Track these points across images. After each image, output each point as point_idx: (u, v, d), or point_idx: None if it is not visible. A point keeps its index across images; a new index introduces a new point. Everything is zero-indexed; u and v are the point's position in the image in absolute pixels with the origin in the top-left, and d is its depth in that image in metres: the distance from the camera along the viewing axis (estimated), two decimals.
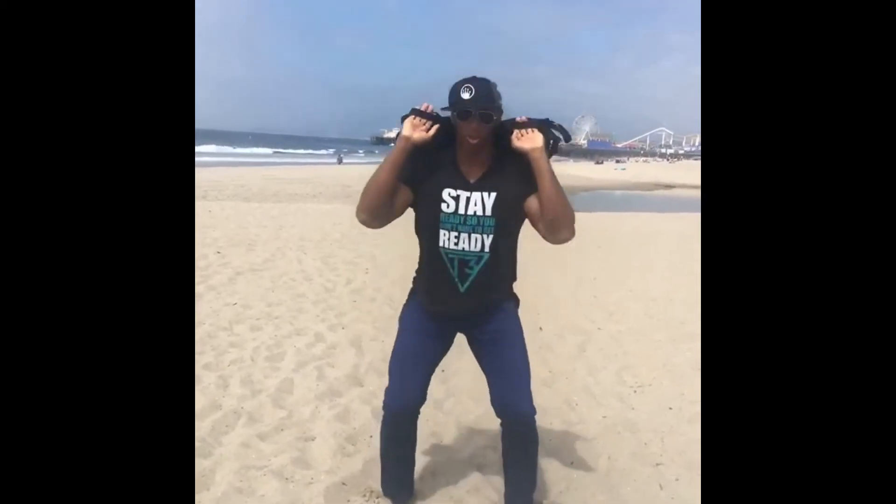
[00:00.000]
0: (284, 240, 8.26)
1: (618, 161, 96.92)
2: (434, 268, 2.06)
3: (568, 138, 2.07)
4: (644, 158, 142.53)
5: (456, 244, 2.00)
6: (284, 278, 6.03)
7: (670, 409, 3.42)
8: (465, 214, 2.00)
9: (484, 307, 2.10)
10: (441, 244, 2.02)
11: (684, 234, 11.00)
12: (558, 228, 1.98)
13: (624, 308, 5.66)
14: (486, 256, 2.01)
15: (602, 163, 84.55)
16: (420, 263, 2.15)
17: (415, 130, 1.97)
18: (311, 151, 72.94)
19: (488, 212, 1.99)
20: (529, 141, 1.97)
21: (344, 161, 45.07)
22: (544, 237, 2.04)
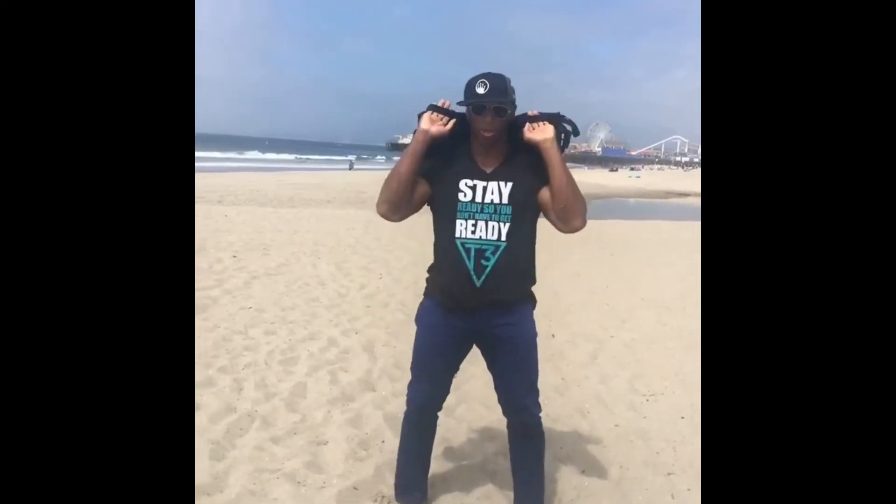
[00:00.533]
0: (299, 245, 8.31)
1: (632, 168, 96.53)
2: (451, 262, 2.06)
3: (577, 132, 2.11)
4: (659, 166, 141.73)
5: (473, 233, 2.03)
6: (299, 283, 6.08)
7: (683, 418, 3.41)
8: (482, 203, 2.04)
9: (500, 304, 2.09)
10: (458, 234, 2.04)
11: (698, 242, 10.91)
12: (569, 217, 2.01)
13: (637, 316, 5.64)
14: (502, 246, 2.03)
15: (616, 170, 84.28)
16: (435, 258, 2.16)
17: (433, 124, 2.03)
18: (331, 157, 73.40)
19: (505, 199, 2.03)
20: (541, 132, 2.02)
21: (355, 167, 45.15)
22: (557, 227, 2.07)
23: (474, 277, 2.03)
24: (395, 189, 2.02)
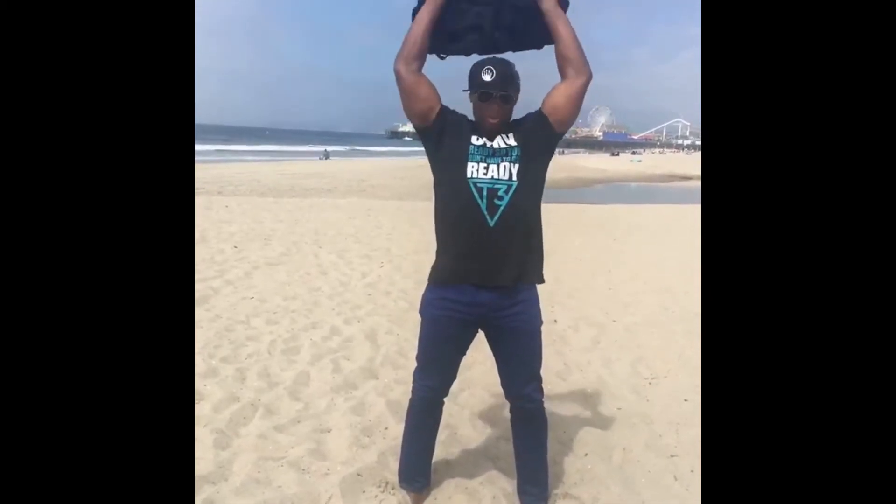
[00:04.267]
0: (300, 234, 8.31)
1: (634, 153, 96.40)
2: (462, 204, 2.04)
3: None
4: (660, 150, 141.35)
5: (485, 173, 2.04)
6: (300, 272, 6.08)
7: (685, 401, 3.41)
8: (493, 147, 2.07)
9: (507, 267, 2.06)
10: (469, 175, 2.04)
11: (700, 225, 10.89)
12: (581, 66, 2.07)
13: (639, 300, 5.64)
14: (514, 185, 2.04)
15: (618, 154, 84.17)
16: (443, 208, 2.13)
17: None
18: (356, 148, 72.57)
19: (513, 142, 2.07)
20: None
21: (330, 157, 42.64)
22: (566, 94, 2.08)
23: (487, 217, 2.02)
24: (410, 45, 2.07)
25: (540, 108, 2.11)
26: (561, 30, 2.07)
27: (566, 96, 2.08)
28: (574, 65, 2.06)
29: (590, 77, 2.09)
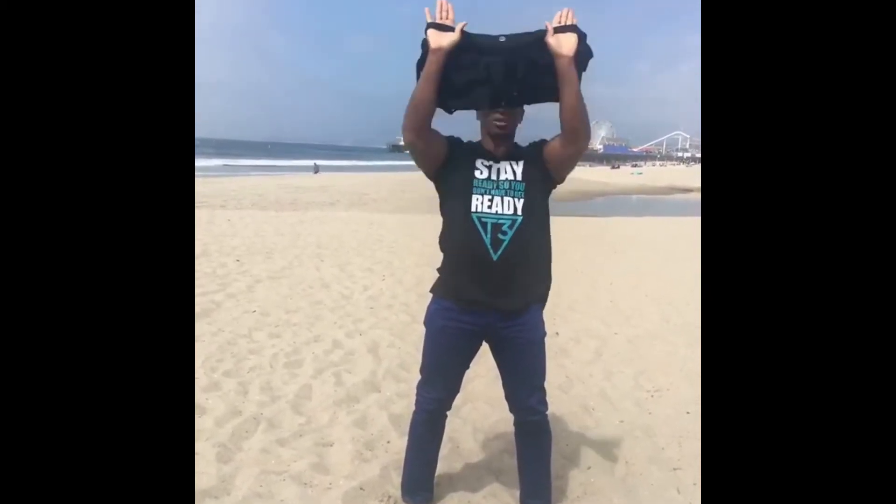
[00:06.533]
0: (302, 247, 8.32)
1: (634, 165, 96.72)
2: (466, 237, 2.06)
3: (590, 54, 2.02)
4: (661, 162, 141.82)
5: (489, 207, 2.05)
6: (302, 286, 6.09)
7: (688, 413, 3.41)
8: (498, 180, 2.08)
9: (514, 294, 2.09)
10: (474, 209, 2.05)
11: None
12: (578, 137, 2.02)
13: (640, 312, 5.64)
14: (519, 219, 2.05)
15: (618, 167, 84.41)
16: (448, 241, 2.15)
17: (443, 38, 1.95)
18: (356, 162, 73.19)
19: (519, 177, 2.08)
20: (563, 46, 1.94)
21: (320, 171, 41.73)
22: (560, 155, 2.07)
23: (491, 251, 2.03)
24: (418, 112, 1.98)
25: (543, 148, 2.10)
26: (566, 94, 1.95)
27: (558, 157, 2.08)
28: (568, 134, 2.01)
29: (581, 149, 2.05)
